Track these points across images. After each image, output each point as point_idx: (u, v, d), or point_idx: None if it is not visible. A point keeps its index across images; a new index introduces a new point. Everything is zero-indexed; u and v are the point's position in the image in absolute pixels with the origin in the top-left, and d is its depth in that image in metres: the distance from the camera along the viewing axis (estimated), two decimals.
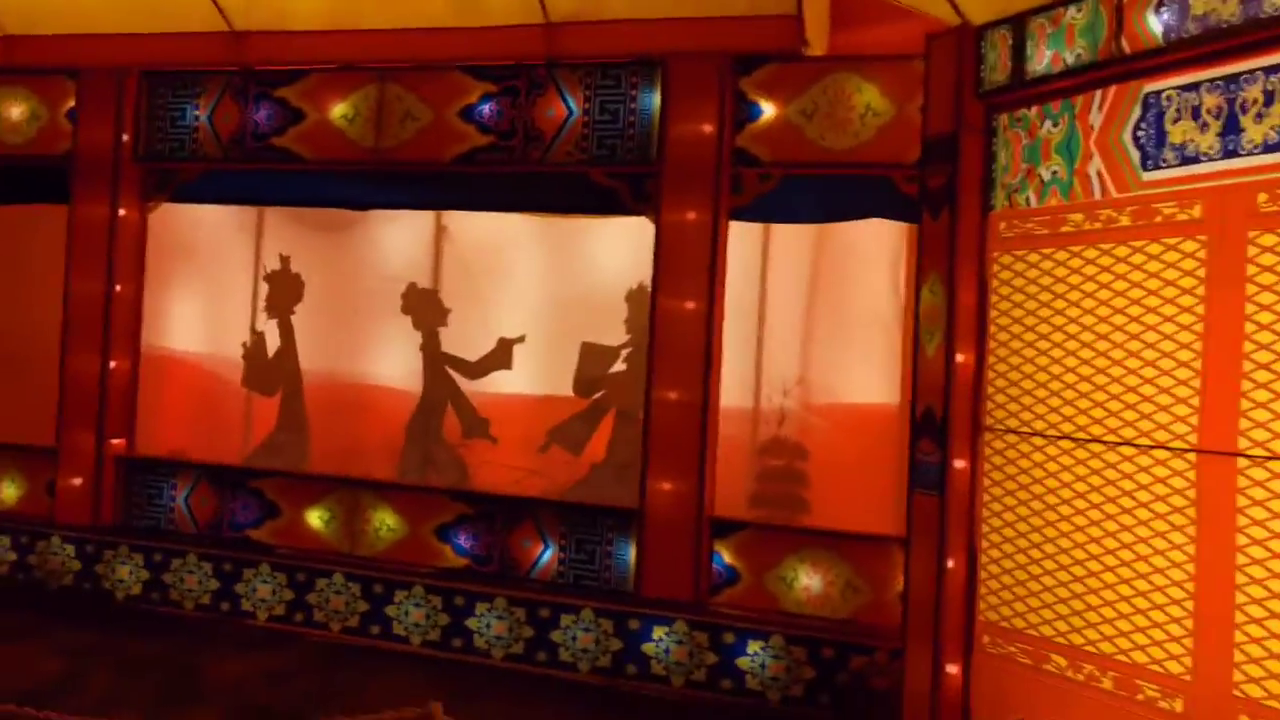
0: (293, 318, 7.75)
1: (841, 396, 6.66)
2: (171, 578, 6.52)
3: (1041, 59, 4.20)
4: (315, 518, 6.50)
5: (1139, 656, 3.73)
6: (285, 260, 7.73)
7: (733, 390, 6.34)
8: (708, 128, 5.49)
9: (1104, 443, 3.92)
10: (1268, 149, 3.44)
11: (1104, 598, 3.88)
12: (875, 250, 6.29)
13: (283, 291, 7.76)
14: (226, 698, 5.01)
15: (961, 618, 4.44)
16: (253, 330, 7.88)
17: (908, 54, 4.89)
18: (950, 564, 4.49)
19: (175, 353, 7.83)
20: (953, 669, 4.46)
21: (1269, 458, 3.37)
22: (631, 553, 5.72)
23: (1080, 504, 4.00)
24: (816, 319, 6.77)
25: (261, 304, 7.88)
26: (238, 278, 8.00)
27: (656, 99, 5.66)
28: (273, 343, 7.82)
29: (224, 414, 8.02)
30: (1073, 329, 4.08)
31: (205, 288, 8.06)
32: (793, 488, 6.59)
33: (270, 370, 7.82)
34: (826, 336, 6.71)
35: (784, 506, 6.44)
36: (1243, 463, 3.44)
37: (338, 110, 6.41)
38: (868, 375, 6.41)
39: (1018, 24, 4.29)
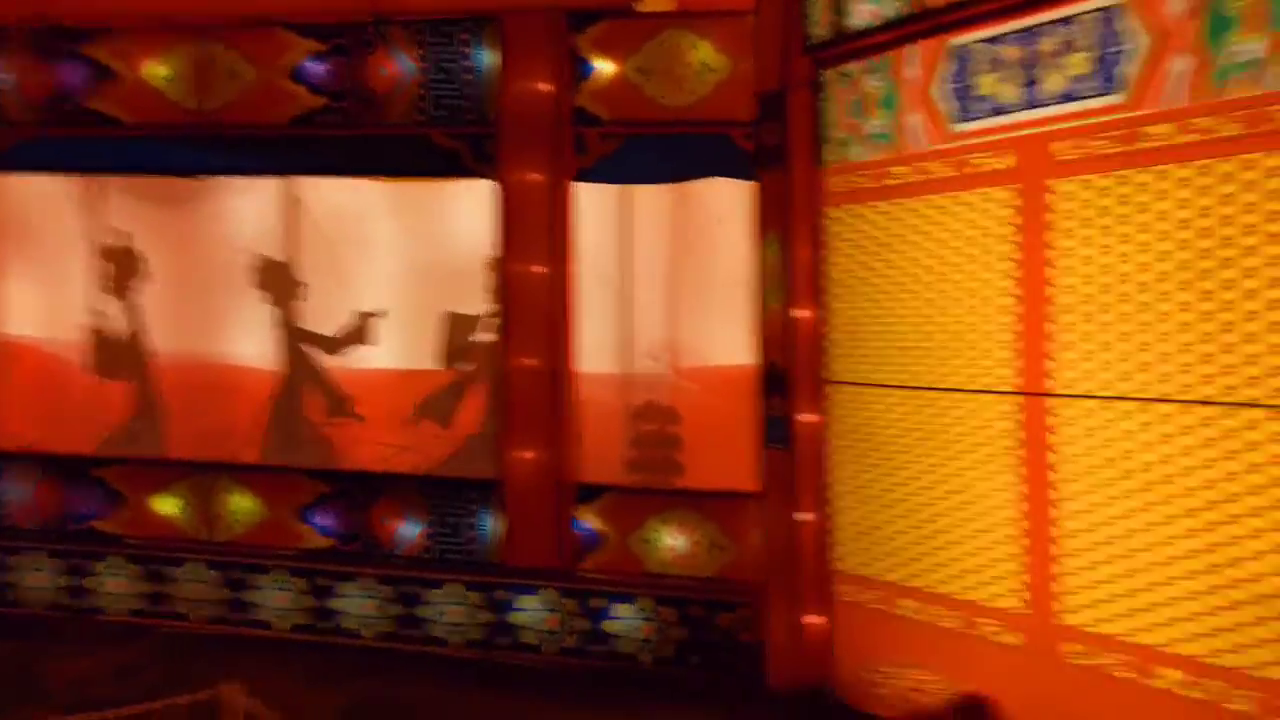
0: (138, 296, 7.34)
1: (710, 359, 6.66)
2: (15, 577, 6.19)
3: (861, 13, 4.22)
4: (167, 505, 6.23)
5: (978, 594, 3.89)
6: (121, 235, 7.29)
7: (602, 356, 6.28)
8: (544, 86, 5.34)
9: (936, 389, 4.04)
10: (1064, 99, 3.55)
11: (945, 540, 4.02)
12: (732, 210, 6.28)
13: (122, 269, 7.33)
14: (68, 695, 4.80)
15: (817, 569, 4.55)
16: (94, 311, 7.44)
17: (740, 10, 4.84)
18: (803, 516, 4.59)
19: (10, 338, 7.35)
20: (811, 619, 4.57)
21: (1078, 396, 3.52)
22: (496, 524, 5.67)
23: (919, 450, 4.12)
24: (683, 281, 6.73)
25: (102, 283, 7.43)
26: (75, 255, 7.51)
27: (491, 57, 5.48)
28: (118, 324, 7.40)
29: (73, 402, 7.56)
30: (902, 279, 4.17)
31: (39, 267, 7.54)
32: (667, 452, 6.60)
33: (117, 353, 7.40)
34: (693, 299, 6.69)
35: (659, 470, 6.45)
36: (1056, 403, 3.59)
37: (154, 69, 6.01)
38: (733, 337, 6.43)
39: None
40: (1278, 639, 2.98)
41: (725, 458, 5.91)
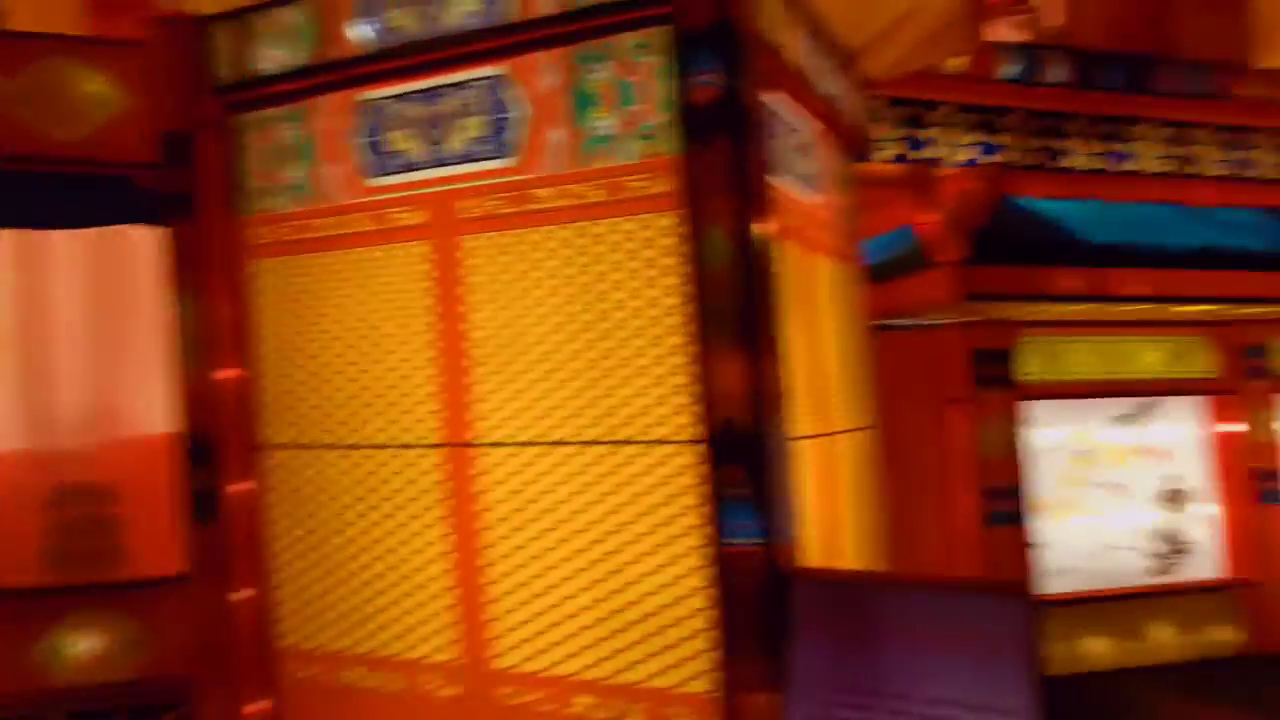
0: None
1: (148, 428, 5.89)
2: None
3: (268, 58, 4.02)
4: None
5: (419, 651, 3.81)
6: None
7: (6, 431, 5.22)
8: None
9: (367, 447, 3.93)
10: (465, 159, 3.70)
11: (386, 600, 3.90)
12: (158, 262, 5.64)
13: None
14: None
15: (259, 651, 4.16)
16: None
17: (138, 41, 4.36)
18: (240, 595, 4.17)
19: None
20: (254, 707, 4.15)
21: (495, 445, 3.64)
22: None
23: (355, 512, 3.97)
24: (115, 342, 5.87)
25: None
26: None
27: None
28: None
29: None
30: (329, 337, 4.02)
31: None
32: (102, 538, 5.64)
33: None
34: (129, 361, 5.87)
35: (92, 562, 5.47)
36: (478, 452, 3.68)
37: None
38: (170, 403, 5.75)
39: (243, 19, 4.06)
40: (659, 651, 3.32)
41: (166, 540, 5.25)
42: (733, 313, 3.06)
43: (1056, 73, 7.64)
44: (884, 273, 5.89)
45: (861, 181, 6.01)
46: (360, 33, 3.83)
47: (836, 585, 2.91)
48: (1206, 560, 6.90)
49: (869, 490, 4.89)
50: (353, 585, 3.99)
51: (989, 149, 7.41)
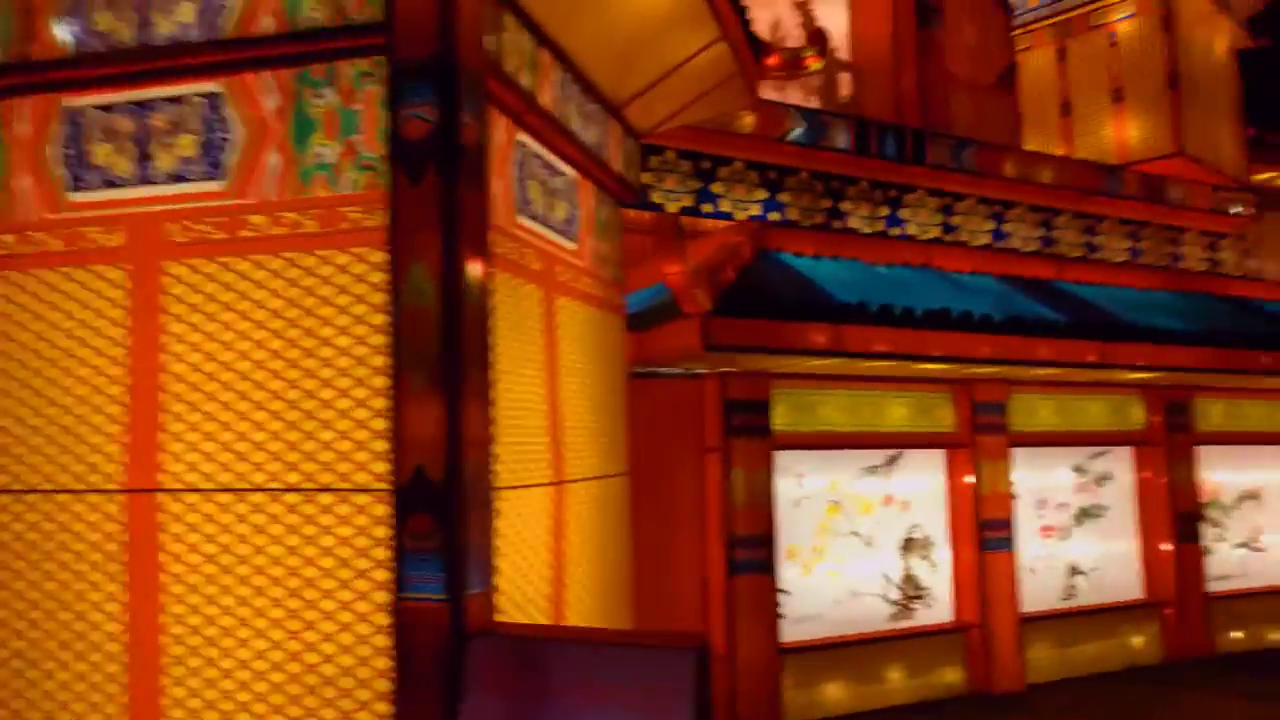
0: None
1: None
2: None
3: None
4: None
5: None
6: None
7: None
8: None
9: (28, 493, 3.48)
10: (175, 179, 3.42)
11: (44, 670, 3.42)
12: None
13: None
14: None
15: None
16: None
17: None
18: None
19: None
20: None
21: (183, 491, 3.32)
22: None
23: (19, 566, 3.49)
24: None
25: None
26: None
27: None
28: None
29: None
30: (9, 367, 3.57)
31: None
32: None
33: None
34: None
35: None
36: (163, 498, 3.35)
37: None
38: None
39: None
40: (343, 718, 3.09)
41: None
42: (432, 354, 2.93)
43: (841, 139, 8.10)
44: (648, 321, 5.95)
45: (636, 230, 6.08)
46: (66, 31, 3.49)
47: (514, 642, 2.81)
48: (941, 606, 7.32)
49: (616, 539, 4.85)
50: (13, 663, 3.46)
51: (774, 206, 7.73)
